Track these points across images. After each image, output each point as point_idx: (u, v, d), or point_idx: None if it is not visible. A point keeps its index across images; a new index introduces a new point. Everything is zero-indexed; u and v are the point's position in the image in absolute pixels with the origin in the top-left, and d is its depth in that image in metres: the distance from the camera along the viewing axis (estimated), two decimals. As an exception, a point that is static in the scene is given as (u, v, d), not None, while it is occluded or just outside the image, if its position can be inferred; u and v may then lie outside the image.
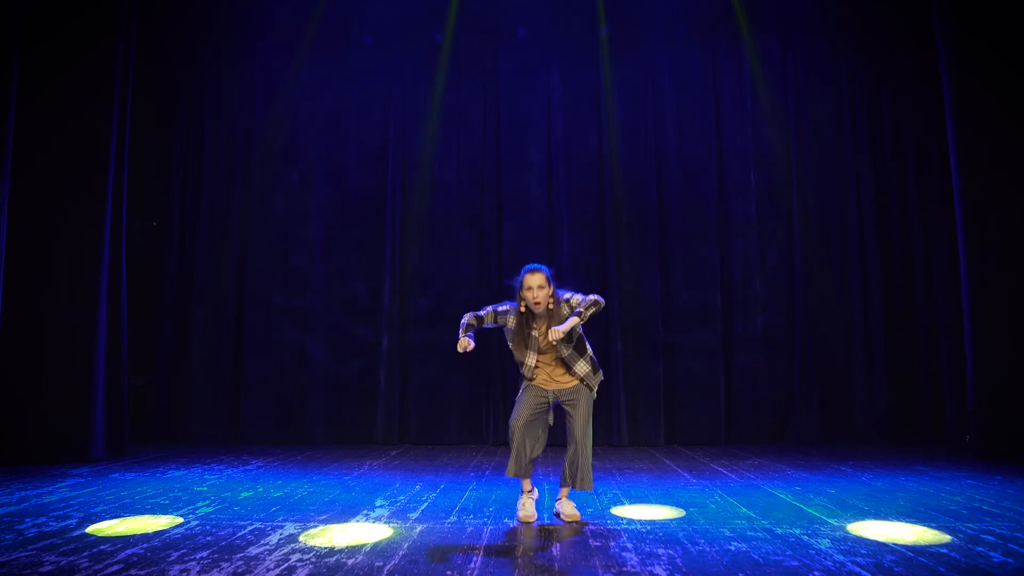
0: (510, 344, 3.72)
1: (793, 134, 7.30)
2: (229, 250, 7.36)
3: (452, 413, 7.09)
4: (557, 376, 3.70)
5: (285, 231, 7.41)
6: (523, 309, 3.64)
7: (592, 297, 3.57)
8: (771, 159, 7.35)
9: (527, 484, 3.74)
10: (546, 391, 3.71)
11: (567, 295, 3.64)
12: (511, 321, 3.67)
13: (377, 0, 7.48)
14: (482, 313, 3.71)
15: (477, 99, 7.48)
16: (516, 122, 7.37)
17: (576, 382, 3.69)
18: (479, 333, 3.77)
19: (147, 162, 7.32)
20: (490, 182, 7.30)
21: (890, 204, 7.28)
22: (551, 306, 3.61)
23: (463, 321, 3.67)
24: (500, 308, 3.72)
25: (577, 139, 7.35)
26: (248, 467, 5.45)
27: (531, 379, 3.71)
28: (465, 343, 3.51)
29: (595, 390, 3.73)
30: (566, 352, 3.64)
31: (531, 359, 3.66)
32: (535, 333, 3.65)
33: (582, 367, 3.67)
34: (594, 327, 6.82)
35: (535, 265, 3.65)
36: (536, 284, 3.56)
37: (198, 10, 7.58)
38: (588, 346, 3.74)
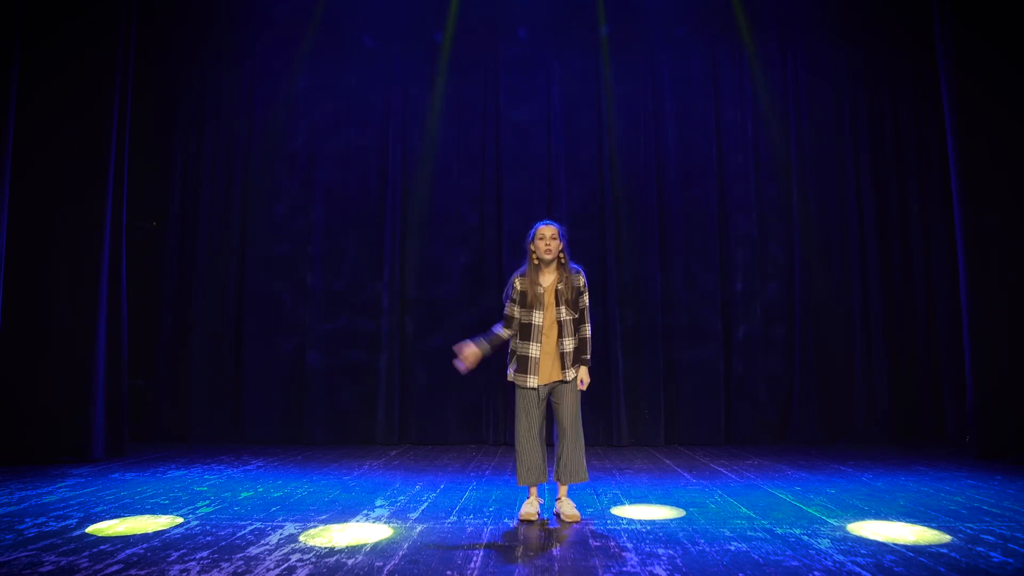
0: (517, 312, 3.74)
1: (793, 134, 7.29)
2: (229, 250, 7.36)
3: (452, 413, 7.08)
4: (551, 350, 3.70)
5: (285, 231, 7.41)
6: (535, 261, 3.75)
7: (590, 336, 3.77)
8: (771, 159, 7.35)
9: (534, 490, 3.79)
10: (537, 389, 3.71)
11: (582, 273, 3.80)
12: (519, 284, 3.75)
13: (377, 0, 7.48)
14: (508, 314, 3.77)
15: (477, 99, 7.48)
16: (516, 122, 7.37)
17: (560, 376, 3.69)
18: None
19: (147, 162, 7.31)
20: (490, 182, 7.30)
21: (890, 204, 7.28)
22: (562, 259, 3.76)
23: (494, 330, 3.79)
24: (509, 290, 3.80)
25: (577, 139, 7.35)
26: (248, 467, 5.45)
27: (538, 351, 3.69)
28: (470, 356, 3.70)
29: (581, 380, 3.71)
30: (565, 316, 3.70)
31: (538, 318, 3.70)
32: (540, 289, 3.73)
33: (569, 343, 3.70)
34: (594, 326, 6.82)
35: (548, 220, 3.83)
36: (550, 235, 3.73)
37: (198, 10, 7.58)
38: (585, 330, 3.76)
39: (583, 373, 3.71)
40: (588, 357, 3.74)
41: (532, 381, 3.70)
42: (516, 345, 3.78)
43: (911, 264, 7.21)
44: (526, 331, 3.73)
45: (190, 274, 7.34)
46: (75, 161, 5.79)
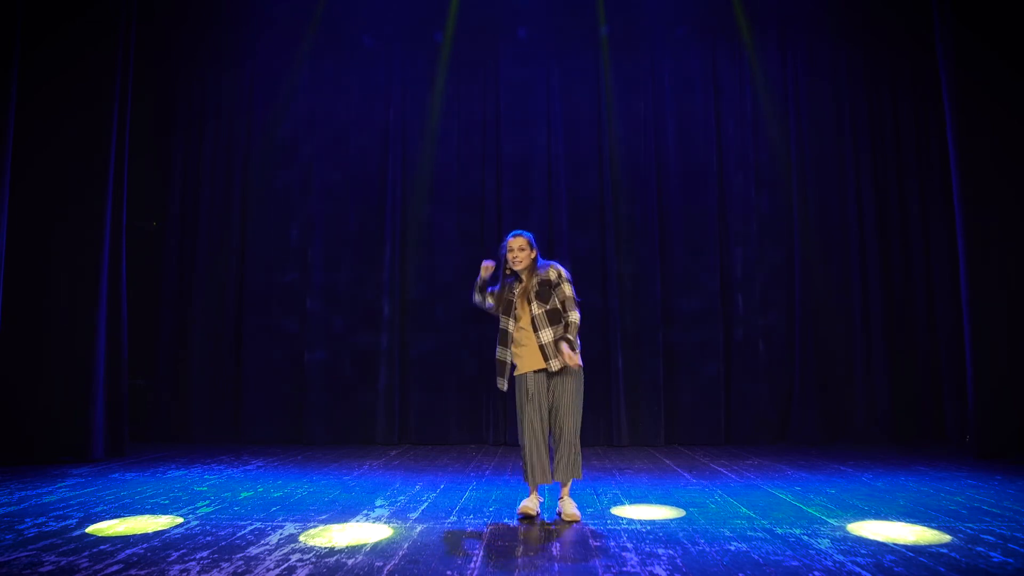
0: (497, 311, 3.87)
1: (793, 134, 7.30)
2: (229, 250, 7.37)
3: (452, 413, 7.09)
4: (526, 345, 3.73)
5: (285, 231, 7.41)
6: (508, 272, 3.87)
7: (576, 320, 3.74)
8: (771, 159, 7.35)
9: (535, 488, 3.79)
10: (524, 376, 3.72)
11: (555, 265, 3.83)
12: (506, 295, 3.85)
13: (377, 0, 7.48)
14: (502, 327, 3.85)
15: (477, 99, 7.48)
16: (516, 122, 7.37)
17: (543, 364, 3.70)
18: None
19: (147, 162, 7.32)
20: (490, 183, 7.30)
21: (890, 204, 7.28)
22: (532, 266, 3.83)
23: (497, 358, 3.85)
24: (496, 303, 3.93)
25: (577, 139, 7.35)
26: (248, 467, 5.45)
27: (509, 356, 3.77)
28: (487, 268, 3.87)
29: (565, 353, 3.67)
30: (537, 311, 3.73)
31: (509, 324, 3.80)
32: (512, 297, 3.81)
33: (545, 335, 3.71)
34: (594, 327, 6.83)
35: (518, 231, 3.92)
36: (517, 247, 3.82)
37: (198, 10, 7.58)
38: (569, 316, 3.74)
39: (563, 347, 3.65)
40: (570, 336, 3.69)
41: (502, 384, 3.79)
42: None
43: (911, 264, 7.21)
44: (501, 336, 3.83)
45: (190, 274, 7.34)
46: (75, 161, 5.79)
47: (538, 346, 3.71)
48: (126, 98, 6.12)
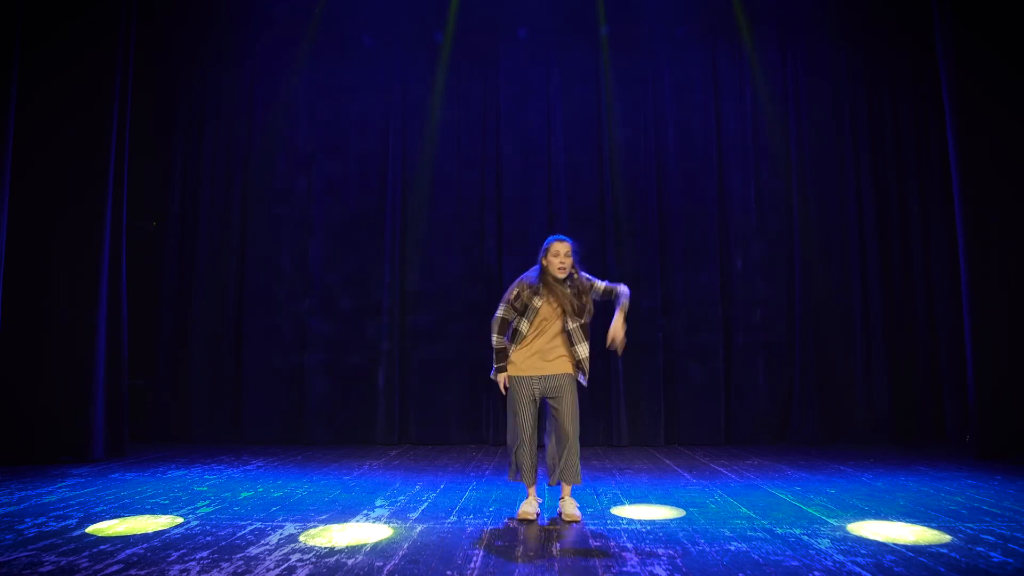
0: (512, 316, 3.73)
1: (793, 134, 7.29)
2: (229, 250, 7.37)
3: (452, 413, 7.09)
4: (546, 353, 3.69)
5: (285, 231, 7.41)
6: (549, 278, 3.70)
7: (625, 290, 3.72)
8: (771, 159, 7.35)
9: (533, 489, 3.79)
10: (531, 379, 3.68)
11: (583, 275, 3.79)
12: (525, 294, 3.71)
13: (377, 0, 7.48)
14: (504, 316, 3.73)
15: (477, 99, 7.48)
16: (516, 122, 7.37)
17: (559, 370, 3.68)
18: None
19: (147, 162, 7.31)
20: (490, 182, 7.30)
21: (890, 204, 7.28)
22: (574, 274, 3.76)
23: (495, 346, 3.74)
24: (511, 295, 3.74)
25: (577, 138, 7.35)
26: (248, 467, 5.45)
27: (508, 361, 3.70)
28: (503, 380, 3.72)
29: (582, 379, 3.74)
30: (572, 324, 3.69)
31: (523, 325, 3.69)
32: (537, 302, 3.68)
33: (583, 350, 3.70)
34: (594, 326, 6.82)
35: (562, 236, 3.80)
36: (564, 252, 3.71)
37: (198, 10, 7.58)
38: (619, 289, 3.75)
39: (619, 320, 3.61)
40: (625, 305, 3.67)
41: (499, 375, 3.73)
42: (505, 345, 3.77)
43: (911, 264, 7.21)
44: (507, 328, 3.74)
45: (190, 274, 7.34)
46: (75, 161, 5.79)
47: (575, 360, 3.70)
48: (126, 98, 6.12)
